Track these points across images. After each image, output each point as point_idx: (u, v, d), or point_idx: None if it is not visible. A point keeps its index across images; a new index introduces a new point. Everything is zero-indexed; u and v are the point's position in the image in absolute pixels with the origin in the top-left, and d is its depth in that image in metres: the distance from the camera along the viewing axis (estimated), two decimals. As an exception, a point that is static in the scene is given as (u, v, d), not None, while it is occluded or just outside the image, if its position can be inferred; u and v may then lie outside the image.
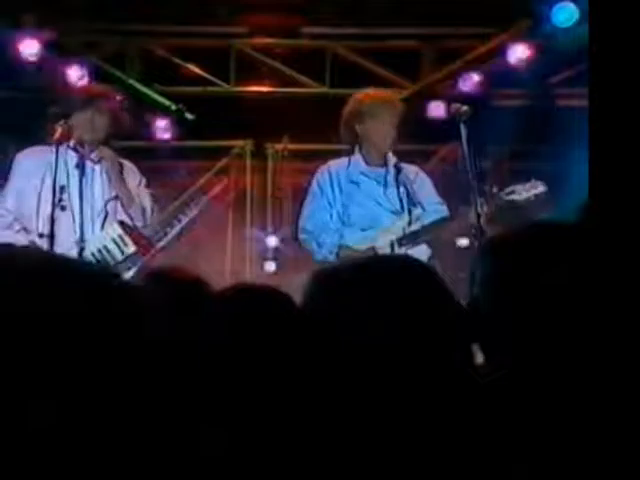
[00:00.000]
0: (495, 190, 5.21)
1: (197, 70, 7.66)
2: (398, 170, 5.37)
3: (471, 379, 1.83)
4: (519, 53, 7.17)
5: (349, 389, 1.77)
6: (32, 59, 6.89)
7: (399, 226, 5.27)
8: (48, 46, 6.93)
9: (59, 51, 7.07)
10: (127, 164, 5.17)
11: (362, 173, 5.39)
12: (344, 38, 7.69)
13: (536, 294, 1.84)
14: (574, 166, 5.81)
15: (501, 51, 7.27)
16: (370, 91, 5.46)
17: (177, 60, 7.66)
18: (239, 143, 7.85)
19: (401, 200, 5.34)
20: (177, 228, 4.95)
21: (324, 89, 7.68)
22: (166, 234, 4.93)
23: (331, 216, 5.36)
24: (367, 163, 5.40)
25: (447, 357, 1.83)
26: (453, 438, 1.74)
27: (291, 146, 7.82)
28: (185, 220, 4.97)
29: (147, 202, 5.12)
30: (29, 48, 6.84)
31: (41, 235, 4.80)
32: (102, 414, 1.59)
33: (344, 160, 5.48)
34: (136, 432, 1.62)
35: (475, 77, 7.34)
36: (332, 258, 5.22)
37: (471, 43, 7.51)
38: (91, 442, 1.56)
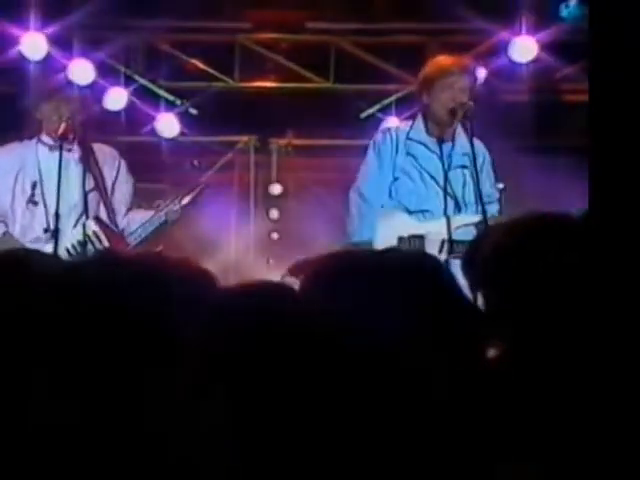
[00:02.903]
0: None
1: (201, 65, 7.66)
2: (469, 150, 4.82)
3: (478, 375, 1.82)
4: (524, 48, 7.16)
5: (351, 385, 1.77)
6: (36, 55, 6.88)
7: (461, 222, 4.72)
8: (53, 42, 6.93)
9: (64, 47, 7.07)
10: (106, 154, 5.07)
11: (422, 143, 4.94)
12: (348, 33, 7.68)
13: (538, 283, 1.84)
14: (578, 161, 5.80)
15: (506, 46, 7.26)
16: (441, 58, 5.13)
17: (182, 55, 7.65)
18: (243, 138, 7.84)
19: (469, 190, 4.82)
20: (151, 229, 4.91)
21: (328, 84, 7.67)
22: (140, 234, 4.89)
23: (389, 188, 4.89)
24: (429, 133, 4.94)
25: (454, 353, 1.82)
26: (458, 435, 1.74)
27: (295, 141, 7.82)
28: (158, 221, 4.92)
29: (125, 199, 5.04)
30: (34, 44, 6.84)
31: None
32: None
33: (407, 123, 5.08)
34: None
35: (480, 72, 7.31)
36: (368, 242, 4.71)
37: (476, 38, 7.49)
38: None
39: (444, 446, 1.72)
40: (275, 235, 7.81)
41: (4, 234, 4.83)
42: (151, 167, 7.32)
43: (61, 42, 7.05)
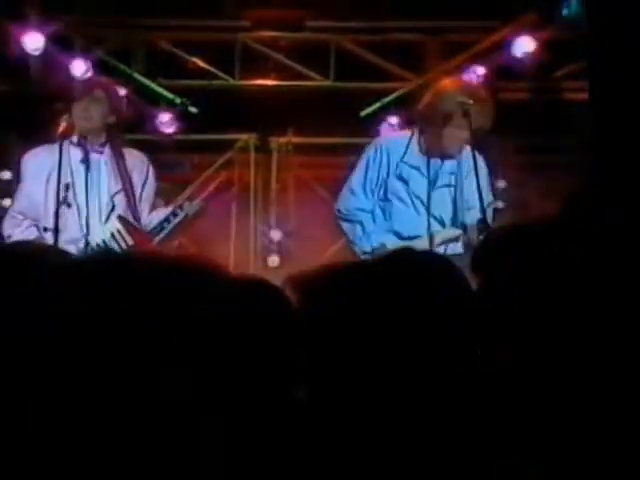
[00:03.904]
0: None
1: (201, 64, 7.66)
2: (455, 166, 4.90)
3: (479, 374, 1.82)
4: (524, 46, 7.16)
5: (350, 386, 1.77)
6: (36, 52, 6.88)
7: (440, 238, 4.81)
8: (52, 39, 6.93)
9: (63, 44, 7.07)
10: (136, 158, 5.16)
11: (414, 167, 4.93)
12: (349, 31, 7.68)
13: (539, 288, 1.84)
14: (579, 159, 5.81)
15: (506, 44, 7.25)
16: (459, 84, 4.99)
17: (182, 54, 7.65)
18: (243, 137, 7.83)
19: (453, 204, 4.91)
20: (173, 224, 4.94)
21: (328, 82, 7.67)
22: (163, 229, 4.94)
23: (374, 206, 4.93)
24: (424, 153, 4.92)
25: (454, 353, 1.82)
26: (459, 434, 1.73)
27: (295, 140, 7.80)
28: (181, 216, 4.96)
29: (150, 200, 5.12)
30: (33, 41, 6.84)
31: (46, 229, 4.85)
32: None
33: (403, 140, 5.00)
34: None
35: (480, 70, 7.31)
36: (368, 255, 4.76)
37: (476, 36, 7.49)
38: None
39: (444, 445, 1.72)
40: (275, 233, 7.78)
41: (38, 239, 4.87)
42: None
43: (61, 40, 7.05)
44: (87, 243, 4.83)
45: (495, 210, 4.89)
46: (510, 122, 7.02)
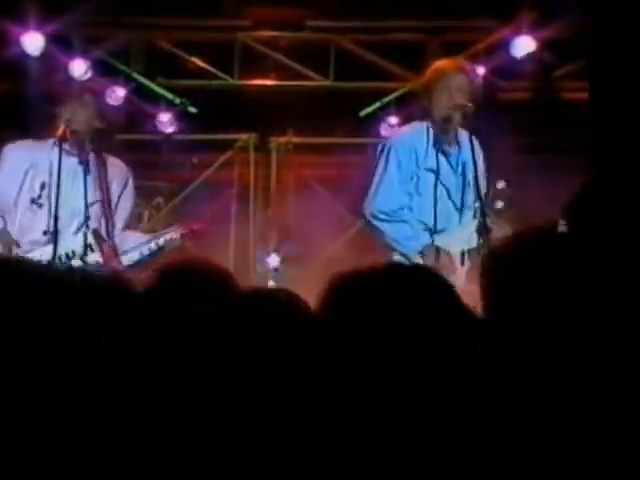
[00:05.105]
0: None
1: (201, 63, 7.66)
2: (466, 149, 4.80)
3: (477, 376, 1.82)
4: (524, 46, 7.16)
5: (359, 391, 1.77)
6: (35, 52, 6.88)
7: (471, 230, 4.74)
8: (52, 39, 6.93)
9: (63, 44, 7.07)
10: (116, 168, 5.07)
11: (443, 152, 4.84)
12: (348, 31, 7.68)
13: (540, 289, 1.84)
14: (579, 159, 5.81)
15: (506, 44, 7.26)
16: (437, 62, 5.03)
17: (181, 53, 7.65)
18: (243, 136, 7.84)
19: (467, 193, 4.85)
20: (146, 254, 4.90)
21: (328, 82, 7.67)
22: (133, 256, 4.88)
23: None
24: (443, 142, 4.87)
25: (453, 362, 1.82)
26: (458, 436, 1.74)
27: (295, 139, 7.81)
28: (154, 248, 4.91)
29: (123, 216, 5.05)
30: (33, 41, 6.84)
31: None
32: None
33: (421, 129, 4.90)
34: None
35: (480, 70, 7.31)
36: (418, 258, 4.63)
37: (476, 36, 7.49)
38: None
39: (444, 444, 1.72)
40: (275, 233, 7.79)
41: (2, 230, 4.82)
42: (150, 165, 7.32)
43: (60, 40, 7.05)
44: (55, 244, 4.69)
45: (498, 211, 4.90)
46: (510, 122, 7.02)
